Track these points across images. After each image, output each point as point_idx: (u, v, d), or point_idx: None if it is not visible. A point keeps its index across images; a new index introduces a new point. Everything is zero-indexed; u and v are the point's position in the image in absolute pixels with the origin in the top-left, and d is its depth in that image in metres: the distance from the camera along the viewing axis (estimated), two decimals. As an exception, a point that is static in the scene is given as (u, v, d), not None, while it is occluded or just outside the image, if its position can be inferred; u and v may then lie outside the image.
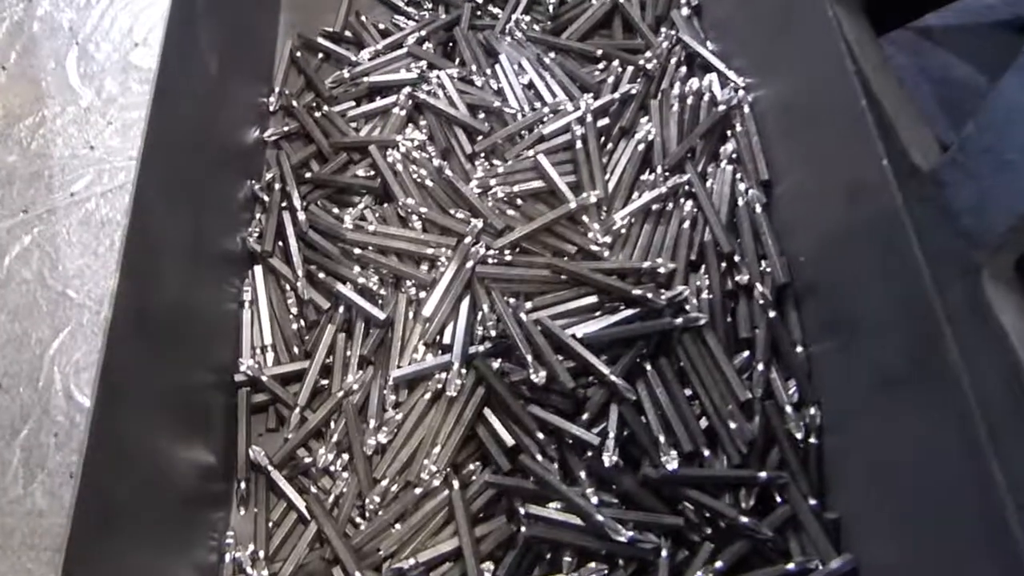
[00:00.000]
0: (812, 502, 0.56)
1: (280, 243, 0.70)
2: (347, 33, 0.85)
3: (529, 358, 0.60)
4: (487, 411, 0.61)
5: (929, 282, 0.49)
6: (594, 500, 0.56)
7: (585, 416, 0.59)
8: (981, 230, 0.63)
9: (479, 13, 0.85)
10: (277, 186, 0.72)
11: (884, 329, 0.53)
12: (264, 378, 0.64)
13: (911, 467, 0.50)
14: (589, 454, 0.59)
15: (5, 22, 1.02)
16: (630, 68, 0.75)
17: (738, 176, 0.67)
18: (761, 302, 0.61)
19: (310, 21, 0.86)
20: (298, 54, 0.82)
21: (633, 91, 0.72)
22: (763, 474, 0.57)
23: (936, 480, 0.48)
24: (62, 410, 0.72)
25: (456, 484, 0.59)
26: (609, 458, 0.57)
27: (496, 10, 0.85)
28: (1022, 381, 0.58)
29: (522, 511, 0.56)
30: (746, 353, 0.62)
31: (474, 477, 0.60)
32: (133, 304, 0.49)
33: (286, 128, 0.77)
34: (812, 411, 0.59)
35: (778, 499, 0.57)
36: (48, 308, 0.78)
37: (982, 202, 0.63)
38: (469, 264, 0.65)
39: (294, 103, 0.77)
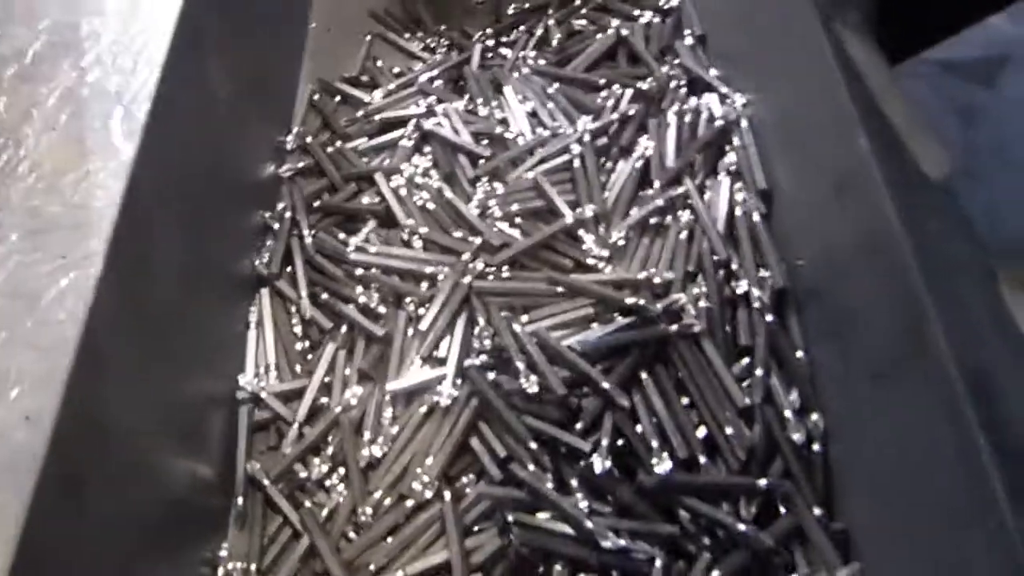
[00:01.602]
0: (817, 511, 0.54)
1: (289, 267, 0.72)
2: (364, 77, 0.89)
3: (521, 366, 0.59)
4: (481, 423, 0.61)
5: (917, 275, 0.47)
6: (585, 508, 0.54)
7: (580, 426, 0.58)
8: (994, 235, 0.61)
9: (490, 54, 0.88)
10: (288, 215, 0.74)
11: (876, 327, 0.51)
12: (264, 395, 0.64)
13: (909, 470, 0.48)
14: (583, 463, 0.57)
15: (58, 89, 1.10)
16: (629, 90, 0.76)
17: (736, 186, 0.67)
18: (758, 306, 0.60)
19: (332, 69, 0.91)
20: (316, 97, 0.86)
21: (632, 112, 0.73)
22: (763, 481, 0.54)
23: (933, 484, 0.45)
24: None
25: (448, 496, 0.58)
26: (601, 463, 0.56)
27: (506, 51, 0.88)
28: (1049, 389, 0.55)
29: (511, 519, 0.55)
30: (746, 360, 0.60)
31: (468, 489, 0.59)
32: (124, 321, 0.51)
33: (301, 164, 0.80)
34: (815, 417, 0.57)
35: (781, 509, 0.55)
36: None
37: (993, 206, 0.61)
38: (466, 279, 0.66)
39: (309, 140, 0.81)
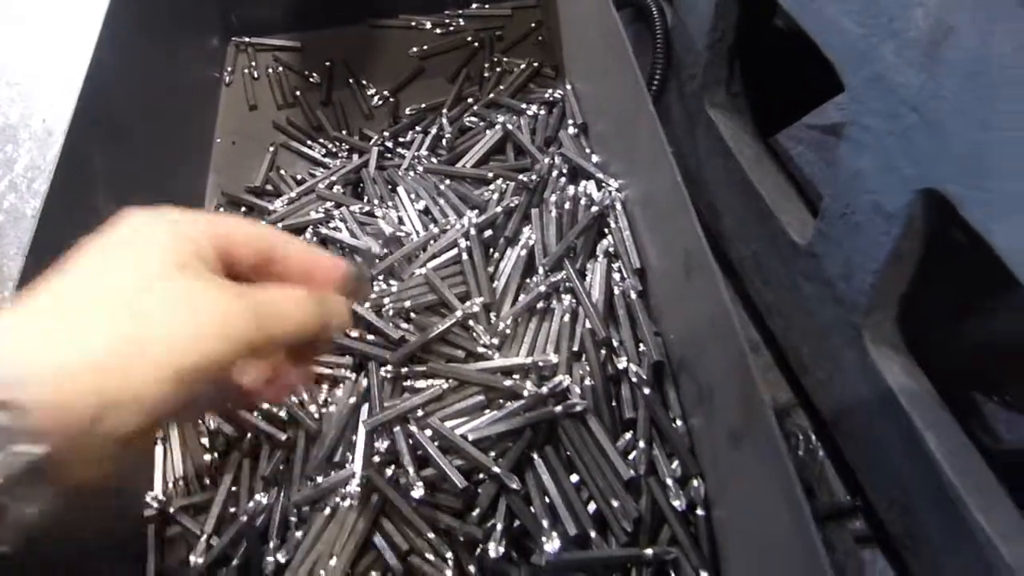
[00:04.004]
0: None
1: (195, 381, 0.74)
2: (268, 187, 0.92)
3: (411, 471, 0.61)
4: (383, 518, 0.62)
5: (745, 347, 0.50)
6: (482, 595, 0.56)
7: (476, 512, 0.60)
8: (852, 294, 0.65)
9: (389, 155, 0.93)
10: (192, 329, 0.76)
11: (727, 396, 0.54)
12: (172, 509, 0.66)
13: (766, 531, 0.50)
14: (480, 549, 0.59)
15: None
16: (512, 184, 0.80)
17: (615, 267, 0.71)
18: (636, 380, 0.63)
19: (236, 181, 0.94)
20: (221, 210, 0.89)
21: (514, 204, 0.77)
22: (649, 551, 0.57)
23: (781, 543, 0.47)
24: None
25: (354, 595, 0.59)
26: (495, 548, 0.58)
27: (403, 151, 0.92)
28: (918, 441, 0.58)
29: (411, 612, 0.57)
30: (630, 434, 0.63)
31: (374, 585, 0.61)
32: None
33: (206, 277, 0.82)
34: (696, 483, 0.59)
35: (672, 576, 0.57)
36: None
37: (848, 266, 0.66)
38: (364, 380, 0.68)
39: (213, 253, 0.83)
